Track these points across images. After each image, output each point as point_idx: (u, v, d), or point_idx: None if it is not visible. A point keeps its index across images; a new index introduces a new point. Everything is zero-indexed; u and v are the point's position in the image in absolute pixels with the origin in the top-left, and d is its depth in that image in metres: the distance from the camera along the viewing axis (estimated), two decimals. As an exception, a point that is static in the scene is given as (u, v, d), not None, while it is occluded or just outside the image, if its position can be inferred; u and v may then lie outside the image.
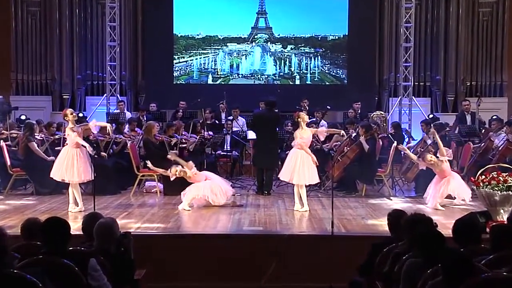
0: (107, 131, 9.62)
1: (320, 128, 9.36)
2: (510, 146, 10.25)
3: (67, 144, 8.73)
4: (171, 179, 9.23)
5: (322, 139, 10.19)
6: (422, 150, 10.29)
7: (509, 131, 10.74)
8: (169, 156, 9.61)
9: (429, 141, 10.34)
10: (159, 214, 8.60)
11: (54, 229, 4.24)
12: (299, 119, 9.01)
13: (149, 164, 9.56)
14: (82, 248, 4.50)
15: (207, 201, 9.00)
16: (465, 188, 9.19)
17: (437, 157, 9.12)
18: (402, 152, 10.83)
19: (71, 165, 8.51)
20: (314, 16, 15.85)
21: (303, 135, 8.94)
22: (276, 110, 10.88)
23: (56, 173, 8.63)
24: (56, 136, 10.63)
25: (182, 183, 9.41)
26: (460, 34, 15.62)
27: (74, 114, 8.76)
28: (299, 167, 8.78)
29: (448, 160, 9.26)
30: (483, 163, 9.60)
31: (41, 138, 10.49)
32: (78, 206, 8.64)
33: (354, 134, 10.60)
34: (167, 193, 10.18)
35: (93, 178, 8.53)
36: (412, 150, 10.65)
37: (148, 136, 10.57)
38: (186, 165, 9.09)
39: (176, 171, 9.06)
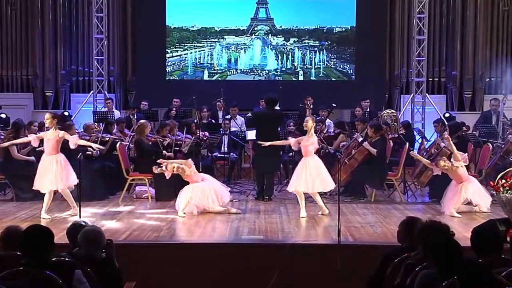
0: (91, 145, 9.65)
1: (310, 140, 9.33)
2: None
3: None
4: (168, 176, 9.25)
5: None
6: (436, 152, 10.29)
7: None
8: (165, 156, 9.67)
9: (443, 144, 10.33)
10: (150, 221, 8.59)
11: (36, 238, 4.23)
12: (305, 128, 9.16)
13: (159, 166, 9.46)
14: (66, 259, 4.49)
15: (202, 206, 9.00)
16: (484, 194, 9.18)
17: (452, 162, 9.11)
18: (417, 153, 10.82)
19: (54, 173, 8.64)
20: (319, 6, 15.87)
21: (308, 141, 9.09)
22: (278, 109, 10.86)
23: (40, 185, 8.78)
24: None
25: (175, 187, 9.42)
26: (478, 25, 15.62)
27: (54, 117, 8.82)
28: (313, 175, 8.92)
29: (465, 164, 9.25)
30: (504, 166, 9.60)
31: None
32: (71, 209, 8.84)
33: (361, 139, 10.59)
34: (159, 199, 10.19)
35: (77, 183, 8.60)
36: (425, 153, 10.65)
37: (140, 136, 10.58)
38: (185, 164, 9.14)
39: (174, 167, 9.10)
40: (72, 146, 8.90)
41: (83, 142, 9.22)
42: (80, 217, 7.83)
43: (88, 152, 10.16)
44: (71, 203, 8.90)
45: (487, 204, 9.11)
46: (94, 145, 9.07)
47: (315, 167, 8.98)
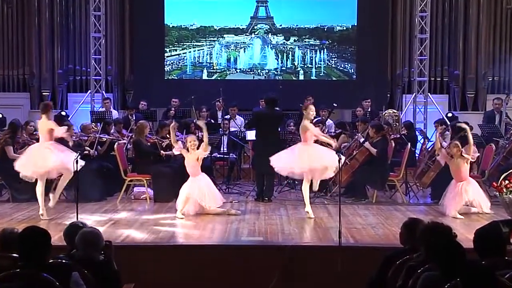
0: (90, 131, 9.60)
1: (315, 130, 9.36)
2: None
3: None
4: (175, 152, 9.21)
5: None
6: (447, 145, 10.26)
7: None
8: (198, 122, 9.84)
9: (444, 143, 10.33)
10: (149, 222, 8.59)
11: (33, 240, 4.23)
12: (304, 111, 9.17)
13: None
14: (63, 261, 4.49)
15: (200, 204, 9.00)
16: (483, 196, 9.18)
17: (462, 152, 9.09)
18: (417, 155, 10.83)
19: (42, 156, 8.57)
20: (319, 5, 15.86)
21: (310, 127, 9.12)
22: (278, 109, 10.87)
23: (22, 167, 8.70)
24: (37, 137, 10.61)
25: (174, 188, 9.41)
26: (481, 23, 15.63)
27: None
28: (312, 162, 8.93)
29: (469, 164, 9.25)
30: (507, 167, 9.60)
31: (22, 141, 10.46)
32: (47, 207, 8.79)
33: (362, 140, 10.59)
34: (158, 200, 10.19)
35: (73, 174, 8.47)
36: (426, 154, 10.65)
37: (139, 136, 10.59)
38: (205, 145, 9.09)
39: (192, 139, 9.10)
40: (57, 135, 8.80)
41: (66, 135, 8.96)
42: (77, 218, 7.83)
43: (85, 152, 10.17)
44: (54, 198, 8.83)
45: (486, 207, 9.11)
46: (70, 140, 8.91)
47: (314, 153, 9.04)
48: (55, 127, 8.77)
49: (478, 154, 9.55)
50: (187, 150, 9.07)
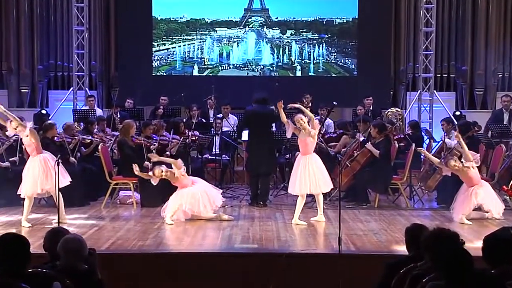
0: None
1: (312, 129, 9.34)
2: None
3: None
4: (154, 183, 9.25)
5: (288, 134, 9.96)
6: (445, 154, 10.31)
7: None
8: (150, 159, 9.64)
9: (450, 143, 10.36)
10: (136, 229, 8.59)
11: (11, 247, 4.22)
12: (300, 126, 9.13)
13: (135, 168, 9.44)
14: (44, 270, 4.49)
15: (192, 212, 9.01)
16: (496, 199, 9.21)
17: (462, 162, 9.14)
18: (422, 156, 10.86)
19: (37, 175, 8.60)
20: (318, -4, 15.94)
21: (310, 139, 9.12)
22: (271, 106, 10.88)
23: (22, 189, 8.69)
24: (13, 138, 10.58)
25: (163, 192, 9.42)
26: (491, 16, 15.68)
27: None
28: (313, 175, 8.95)
29: (477, 166, 9.28)
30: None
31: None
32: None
33: (362, 139, 10.61)
34: (145, 205, 10.18)
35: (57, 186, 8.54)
36: (432, 155, 10.66)
37: (124, 136, 10.57)
38: (174, 164, 9.11)
39: (162, 172, 9.09)
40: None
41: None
42: (59, 224, 7.82)
43: (66, 157, 10.15)
44: (27, 213, 8.72)
45: (499, 210, 9.13)
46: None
47: (317, 165, 9.05)
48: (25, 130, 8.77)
49: (478, 155, 9.56)
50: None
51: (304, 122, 9.08)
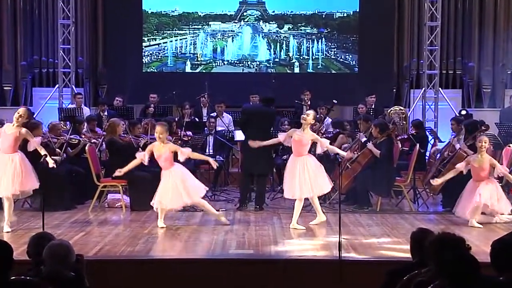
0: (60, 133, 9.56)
1: (323, 139, 9.42)
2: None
3: None
4: (146, 161, 9.20)
5: (318, 151, 10.03)
6: (450, 155, 10.32)
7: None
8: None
9: (458, 145, 10.37)
10: (125, 234, 8.58)
11: (-8, 254, 4.22)
12: (303, 121, 9.20)
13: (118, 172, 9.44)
14: (28, 277, 4.48)
15: (184, 203, 9.03)
16: (502, 198, 9.23)
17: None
18: (427, 157, 10.85)
19: (11, 175, 8.55)
20: (317, -11, 15.96)
21: (302, 136, 9.09)
22: (272, 107, 10.90)
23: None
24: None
25: (153, 195, 9.41)
26: (499, 10, 15.72)
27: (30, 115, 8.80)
28: (313, 177, 8.98)
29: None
30: (527, 170, 9.65)
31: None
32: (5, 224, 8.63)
33: (364, 139, 10.62)
34: (135, 208, 10.19)
35: (35, 189, 8.53)
36: (439, 155, 10.68)
37: (112, 135, 10.56)
38: (179, 149, 9.09)
39: (162, 133, 9.03)
40: (29, 149, 8.81)
41: (40, 149, 8.79)
42: (43, 229, 7.80)
43: (53, 157, 10.12)
44: (8, 216, 8.66)
45: (507, 209, 9.16)
46: (50, 161, 8.78)
47: (316, 166, 9.08)
48: (32, 139, 8.75)
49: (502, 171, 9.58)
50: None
51: (309, 116, 9.19)
